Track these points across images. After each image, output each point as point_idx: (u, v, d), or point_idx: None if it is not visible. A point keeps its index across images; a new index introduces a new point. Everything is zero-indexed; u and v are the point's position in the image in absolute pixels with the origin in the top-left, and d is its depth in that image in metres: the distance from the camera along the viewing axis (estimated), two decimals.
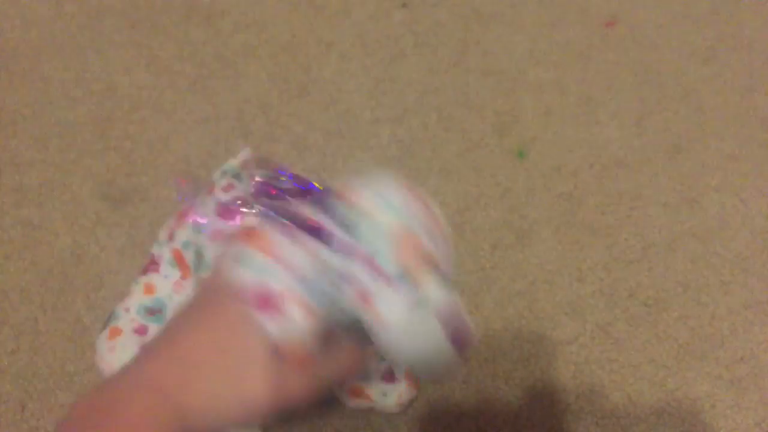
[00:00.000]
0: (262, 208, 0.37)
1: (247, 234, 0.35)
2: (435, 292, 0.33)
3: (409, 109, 0.73)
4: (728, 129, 0.73)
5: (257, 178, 0.41)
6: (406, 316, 0.32)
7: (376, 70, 0.76)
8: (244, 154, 0.52)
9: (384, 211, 0.34)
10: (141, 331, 0.51)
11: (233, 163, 0.51)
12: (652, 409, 0.57)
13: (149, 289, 0.51)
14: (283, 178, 0.42)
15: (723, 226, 0.67)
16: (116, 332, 0.51)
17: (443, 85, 0.75)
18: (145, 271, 0.52)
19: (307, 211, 0.35)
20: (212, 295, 0.35)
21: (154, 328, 0.51)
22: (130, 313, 0.51)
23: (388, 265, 0.32)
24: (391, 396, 0.52)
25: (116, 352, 0.50)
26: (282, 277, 0.33)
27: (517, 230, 0.66)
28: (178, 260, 0.51)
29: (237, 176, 0.50)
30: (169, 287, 0.51)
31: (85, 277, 0.62)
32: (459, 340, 0.33)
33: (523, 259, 0.64)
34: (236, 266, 0.34)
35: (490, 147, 0.71)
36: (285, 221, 0.35)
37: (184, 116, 0.72)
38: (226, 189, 0.49)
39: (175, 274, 0.51)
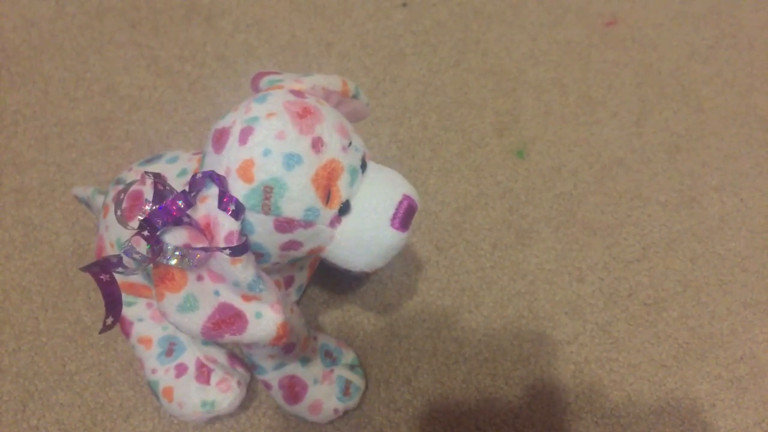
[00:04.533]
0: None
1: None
2: None
3: (409, 109, 0.73)
4: (728, 129, 0.73)
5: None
6: None
7: (376, 70, 0.76)
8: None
9: None
10: None
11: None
12: (651, 409, 0.57)
13: None
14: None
15: (723, 226, 0.67)
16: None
17: (443, 84, 0.75)
18: None
19: None
20: None
21: None
22: None
23: None
24: None
25: None
26: None
27: (517, 230, 0.66)
28: None
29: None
30: None
31: (86, 277, 0.62)
32: None
33: (523, 258, 0.64)
34: None
35: (490, 147, 0.71)
36: None
37: (184, 116, 0.72)
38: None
39: None
